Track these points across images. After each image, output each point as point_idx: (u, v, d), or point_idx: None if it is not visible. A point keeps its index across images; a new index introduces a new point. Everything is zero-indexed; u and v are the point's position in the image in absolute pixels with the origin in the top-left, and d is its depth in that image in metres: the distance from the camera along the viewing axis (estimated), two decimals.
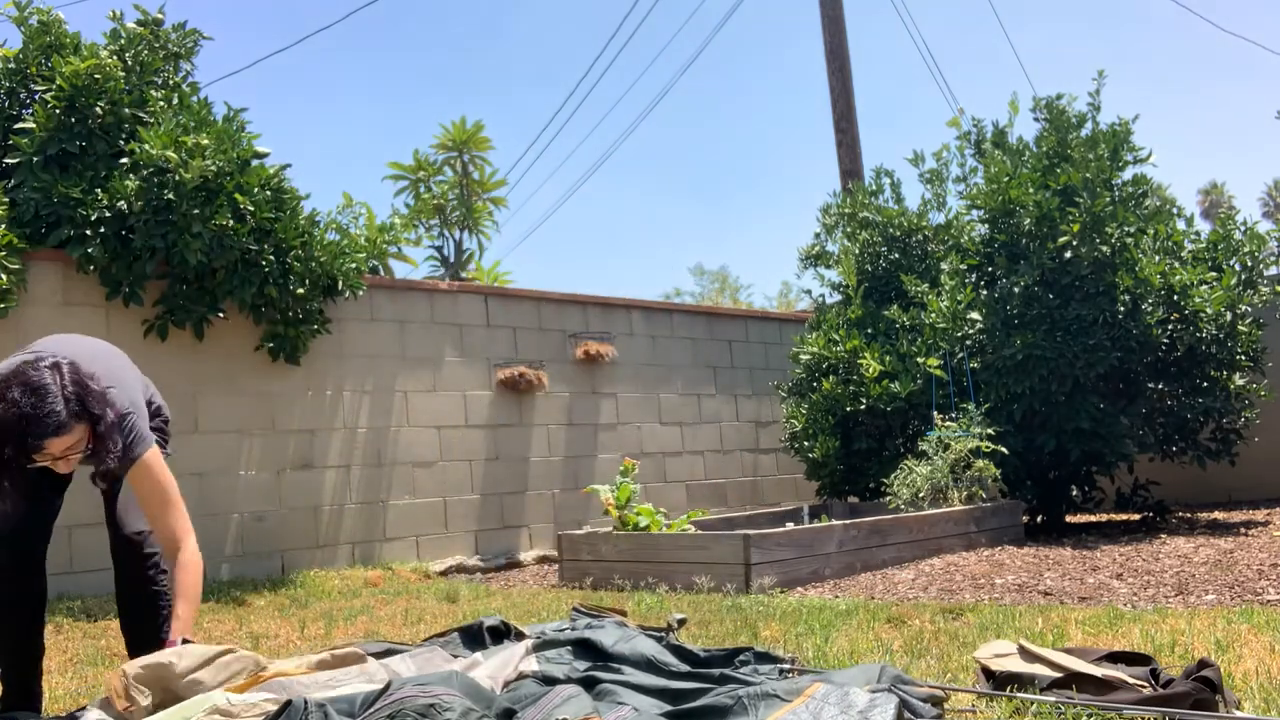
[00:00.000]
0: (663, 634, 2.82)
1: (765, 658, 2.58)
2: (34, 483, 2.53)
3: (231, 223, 5.30)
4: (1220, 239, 6.68)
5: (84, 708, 2.33)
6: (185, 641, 2.37)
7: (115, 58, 5.53)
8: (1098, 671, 2.24)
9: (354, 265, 6.00)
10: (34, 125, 5.22)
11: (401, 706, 1.92)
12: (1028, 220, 6.43)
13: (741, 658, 2.59)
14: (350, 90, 59.09)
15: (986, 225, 6.94)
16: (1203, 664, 2.15)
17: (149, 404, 2.80)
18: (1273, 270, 6.77)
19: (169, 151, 5.12)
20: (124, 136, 5.40)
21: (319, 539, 6.08)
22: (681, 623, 2.99)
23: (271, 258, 5.54)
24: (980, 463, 6.01)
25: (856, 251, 7.52)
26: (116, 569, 2.72)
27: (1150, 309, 6.16)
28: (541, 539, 7.09)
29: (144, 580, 2.69)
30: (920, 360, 6.57)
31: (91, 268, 5.22)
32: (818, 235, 7.93)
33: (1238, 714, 2.05)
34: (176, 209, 5.13)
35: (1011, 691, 2.27)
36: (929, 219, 7.49)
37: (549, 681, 2.32)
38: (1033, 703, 2.17)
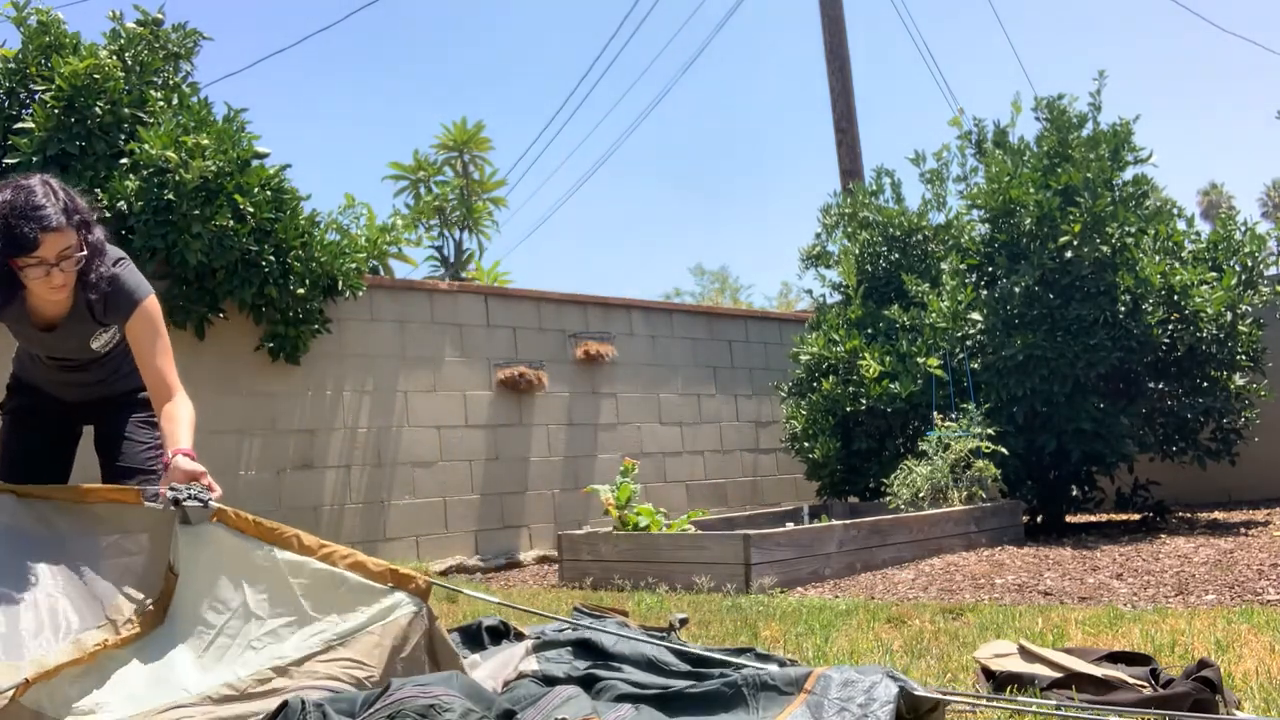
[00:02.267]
0: (664, 634, 2.82)
1: (766, 659, 2.58)
2: (56, 420, 2.63)
3: (231, 223, 5.30)
4: (1220, 239, 6.67)
5: None
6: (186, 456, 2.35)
7: (115, 58, 5.53)
8: (1098, 671, 2.24)
9: (354, 265, 6.00)
10: (33, 125, 5.21)
11: (401, 707, 1.91)
12: (1028, 220, 6.43)
13: (742, 658, 2.59)
14: (350, 90, 59.10)
15: (987, 225, 6.94)
16: (1203, 664, 2.15)
17: None
18: (1273, 270, 6.77)
19: (169, 152, 5.12)
20: (124, 137, 5.40)
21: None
22: (683, 622, 2.99)
23: (271, 258, 5.54)
24: (980, 463, 6.00)
25: (857, 251, 7.52)
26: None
27: (1151, 309, 6.16)
28: (541, 539, 7.09)
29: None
30: (920, 360, 6.57)
31: None
32: (818, 235, 7.92)
33: (1238, 714, 2.05)
34: (176, 209, 5.13)
35: (1011, 692, 2.27)
36: (929, 219, 7.48)
37: (549, 681, 2.32)
38: (1032, 704, 2.17)
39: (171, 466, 2.34)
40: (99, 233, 2.45)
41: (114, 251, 2.54)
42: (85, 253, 2.38)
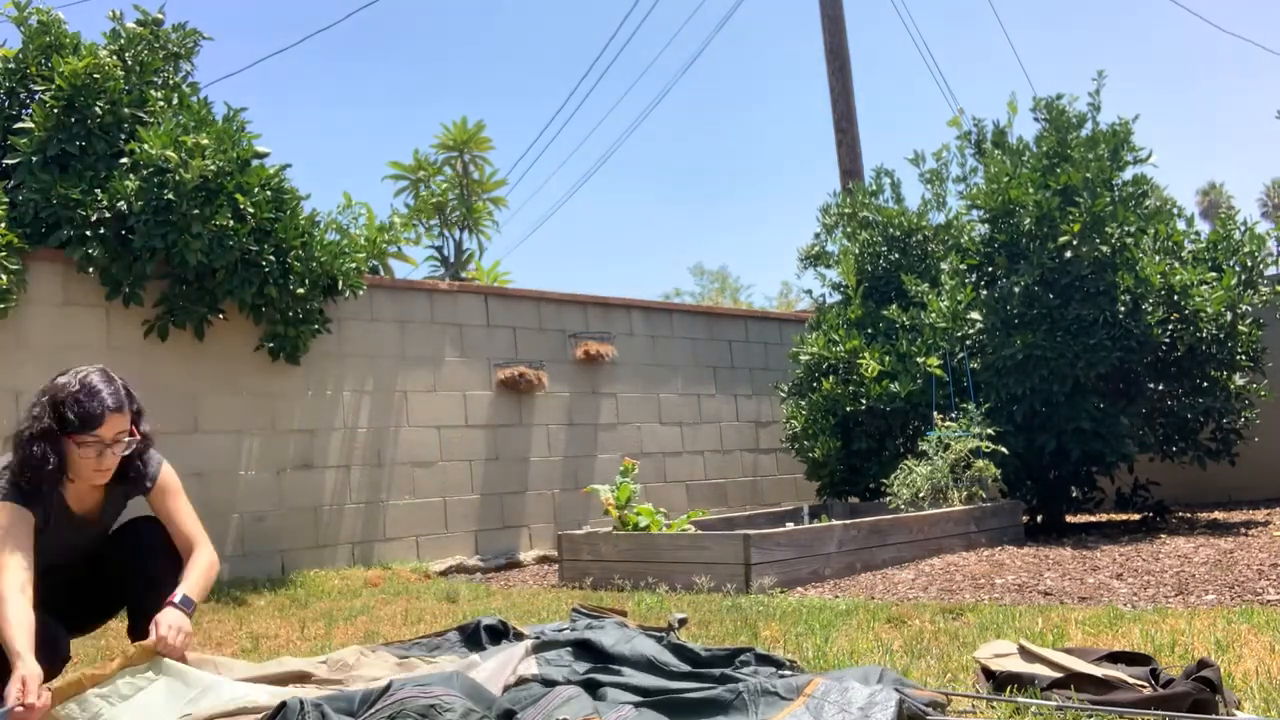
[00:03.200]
0: (663, 634, 2.81)
1: (766, 659, 2.58)
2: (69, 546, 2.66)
3: (231, 223, 5.30)
4: (1220, 239, 6.67)
5: None
6: (185, 601, 2.47)
7: (115, 58, 5.53)
8: (1098, 671, 2.24)
9: (354, 265, 5.99)
10: (33, 125, 5.21)
11: (402, 707, 1.92)
12: (1028, 220, 6.43)
13: (742, 658, 2.59)
14: (350, 90, 59.08)
15: (986, 225, 6.94)
16: (1203, 664, 2.15)
17: None
18: (1273, 270, 6.77)
19: (169, 151, 5.12)
20: (124, 136, 5.40)
21: (319, 539, 6.08)
22: (682, 622, 2.99)
23: (271, 258, 5.54)
24: (980, 463, 6.00)
25: (856, 251, 7.52)
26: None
27: (1150, 309, 6.16)
28: (541, 539, 7.09)
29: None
30: (920, 360, 6.57)
31: (91, 268, 5.22)
32: (818, 235, 7.92)
33: (1238, 714, 2.05)
34: (176, 209, 5.13)
35: (1011, 692, 2.27)
36: (929, 219, 7.49)
37: (548, 684, 2.32)
38: (1032, 703, 2.17)
39: (163, 610, 2.44)
40: (146, 426, 2.67)
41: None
42: (137, 439, 2.61)
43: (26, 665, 2.14)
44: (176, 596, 2.48)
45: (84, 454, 2.48)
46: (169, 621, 2.37)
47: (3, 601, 2.27)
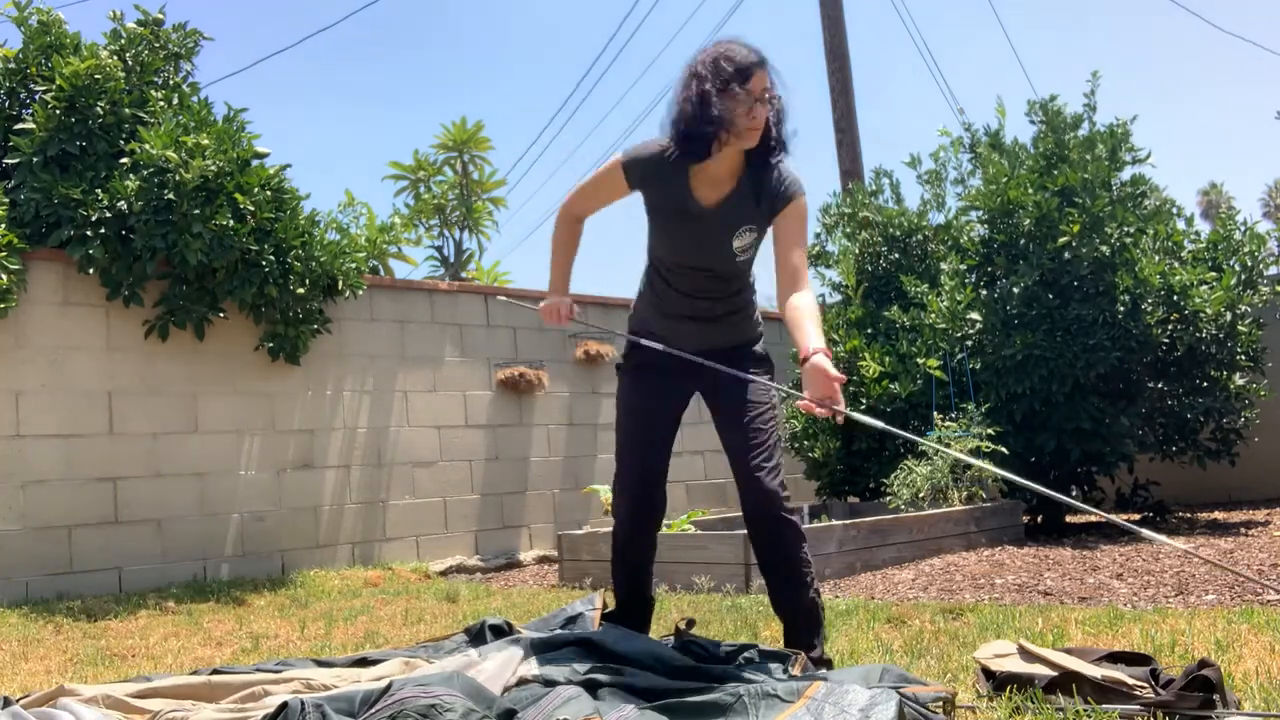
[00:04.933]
0: (668, 639, 2.82)
1: (769, 655, 2.58)
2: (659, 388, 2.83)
3: (232, 223, 5.30)
4: (1220, 239, 6.68)
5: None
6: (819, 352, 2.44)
7: (115, 58, 5.53)
8: (1097, 672, 2.24)
9: (354, 265, 6.00)
10: (34, 125, 5.21)
11: (403, 707, 1.92)
12: (1027, 221, 6.43)
13: (746, 655, 2.59)
14: (350, 90, 59.09)
15: (986, 226, 6.94)
16: (1203, 664, 2.15)
17: None
18: (1273, 270, 6.77)
19: (169, 151, 5.12)
20: (124, 136, 5.40)
21: (319, 539, 6.08)
22: (690, 624, 2.98)
23: (271, 258, 5.54)
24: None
25: (856, 252, 7.52)
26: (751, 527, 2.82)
27: (1150, 309, 6.16)
28: (541, 539, 7.09)
29: (784, 549, 2.70)
30: (920, 361, 6.57)
31: (92, 268, 5.22)
32: (818, 235, 7.92)
33: (1238, 714, 2.05)
34: (177, 209, 5.13)
35: (1011, 692, 2.27)
36: (929, 219, 7.48)
37: (549, 684, 2.32)
38: (1032, 702, 2.17)
39: (811, 367, 2.45)
40: (784, 100, 2.62)
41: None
42: (779, 97, 2.58)
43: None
44: (811, 347, 2.46)
45: (737, 108, 2.48)
46: (829, 374, 2.42)
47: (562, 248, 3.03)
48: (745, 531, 4.74)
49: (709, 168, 2.58)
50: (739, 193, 2.62)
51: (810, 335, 2.48)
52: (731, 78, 2.46)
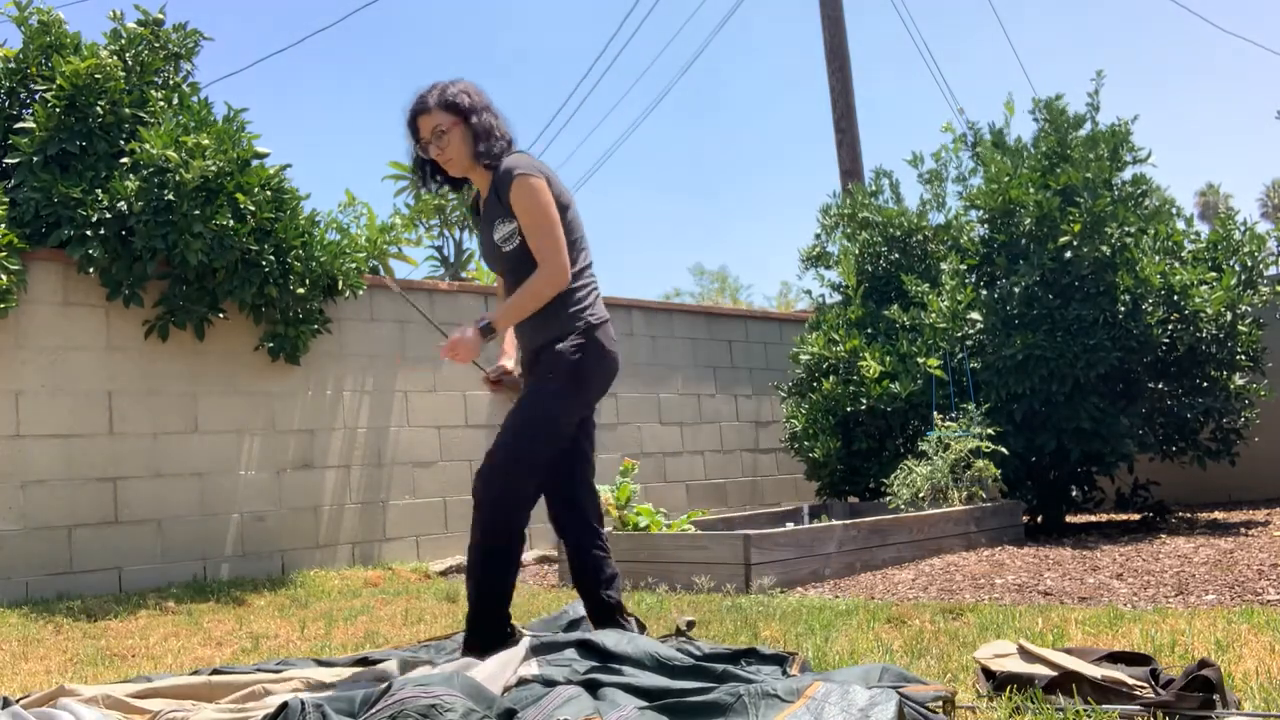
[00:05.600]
0: (669, 639, 2.82)
1: (771, 659, 2.58)
2: None
3: (232, 223, 5.30)
4: (1220, 239, 6.67)
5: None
6: (485, 324, 2.82)
7: (116, 58, 5.53)
8: (1097, 672, 2.24)
9: (354, 265, 5.99)
10: (34, 125, 5.21)
11: (403, 707, 1.92)
12: (1028, 220, 6.43)
13: (747, 659, 2.59)
14: (351, 90, 59.08)
15: (986, 225, 6.94)
16: (1203, 664, 2.15)
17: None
18: (1273, 270, 6.77)
19: (169, 151, 5.12)
20: (124, 136, 5.40)
21: (319, 539, 6.08)
22: (690, 625, 2.99)
23: (271, 258, 5.54)
24: (980, 463, 6.00)
25: (856, 252, 7.51)
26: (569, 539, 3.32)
27: (1150, 309, 6.16)
28: (541, 539, 7.08)
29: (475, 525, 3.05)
30: (920, 360, 6.57)
31: (92, 268, 5.22)
32: (818, 236, 7.92)
33: (1238, 714, 2.05)
34: (177, 209, 5.13)
35: (1011, 692, 2.27)
36: (929, 219, 7.48)
37: (549, 684, 2.32)
38: (1032, 702, 2.17)
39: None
40: (488, 119, 2.92)
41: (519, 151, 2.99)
42: (471, 118, 2.92)
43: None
44: (483, 320, 2.79)
45: (427, 149, 2.91)
46: (455, 335, 2.81)
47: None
48: (745, 531, 4.75)
49: (478, 180, 2.99)
50: (490, 194, 2.95)
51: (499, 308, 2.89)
52: (408, 131, 2.96)
